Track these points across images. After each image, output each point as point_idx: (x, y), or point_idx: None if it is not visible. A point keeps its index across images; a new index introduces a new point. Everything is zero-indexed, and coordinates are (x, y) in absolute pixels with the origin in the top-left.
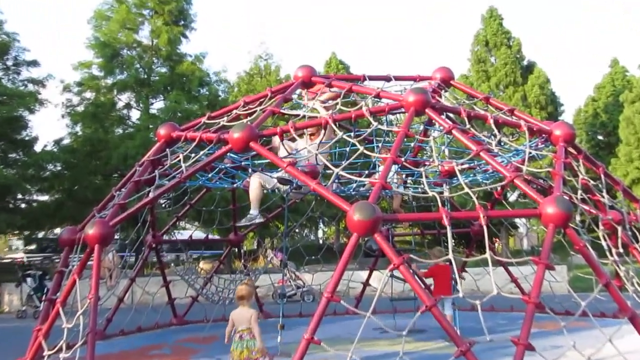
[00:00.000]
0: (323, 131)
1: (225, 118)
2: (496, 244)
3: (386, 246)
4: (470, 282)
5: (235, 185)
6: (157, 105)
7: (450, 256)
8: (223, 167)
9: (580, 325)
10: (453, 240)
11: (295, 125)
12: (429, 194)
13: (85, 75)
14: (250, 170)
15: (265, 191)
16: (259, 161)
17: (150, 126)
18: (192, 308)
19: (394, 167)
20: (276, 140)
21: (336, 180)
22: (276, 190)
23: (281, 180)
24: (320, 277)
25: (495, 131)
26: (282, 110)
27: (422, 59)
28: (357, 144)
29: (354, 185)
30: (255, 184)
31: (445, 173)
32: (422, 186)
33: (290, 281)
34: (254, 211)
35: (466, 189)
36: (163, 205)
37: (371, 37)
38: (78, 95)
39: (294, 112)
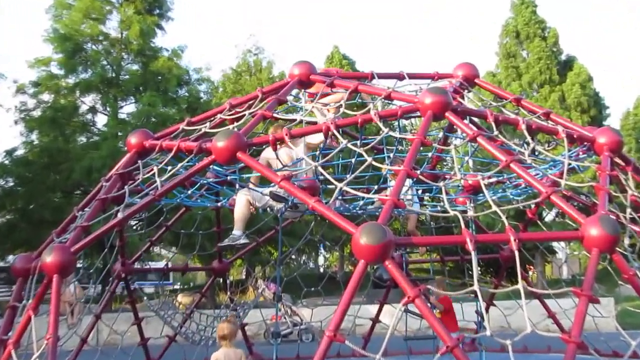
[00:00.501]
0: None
1: (207, 124)
2: (530, 273)
3: (399, 275)
4: (499, 317)
5: (219, 203)
6: (128, 109)
7: (476, 287)
8: (205, 182)
9: None
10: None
11: (291, 132)
12: (449, 213)
13: (42, 74)
14: (237, 186)
15: (254, 210)
16: (248, 175)
17: (119, 134)
18: (168, 350)
19: (408, 182)
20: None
21: (339, 197)
22: (268, 209)
23: (274, 197)
24: (321, 313)
25: (528, 138)
26: (275, 115)
27: (438, 55)
28: (364, 154)
29: (361, 203)
30: (241, 201)
31: (469, 188)
32: (441, 204)
33: (285, 317)
34: (237, 231)
35: (494, 207)
36: (134, 228)
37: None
38: (34, 97)
39: (290, 116)
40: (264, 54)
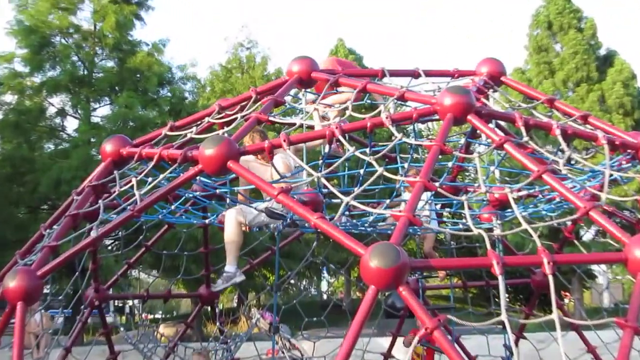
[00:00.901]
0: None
1: (194, 128)
2: (566, 300)
3: (415, 303)
4: (531, 352)
5: (207, 220)
6: (102, 111)
7: (504, 317)
8: (191, 195)
9: None
10: (507, 295)
11: (290, 138)
12: (473, 231)
13: (4, 72)
14: (228, 200)
15: (248, 229)
16: (241, 187)
17: (92, 140)
18: None
19: (426, 195)
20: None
21: (346, 213)
22: (264, 227)
23: (271, 215)
24: (324, 346)
25: (563, 145)
26: (271, 118)
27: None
28: (374, 163)
29: (370, 219)
30: (231, 224)
31: (496, 203)
32: (463, 221)
33: (283, 352)
34: (230, 267)
35: (524, 225)
36: (109, 248)
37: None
38: None
39: (288, 120)
40: (257, 49)
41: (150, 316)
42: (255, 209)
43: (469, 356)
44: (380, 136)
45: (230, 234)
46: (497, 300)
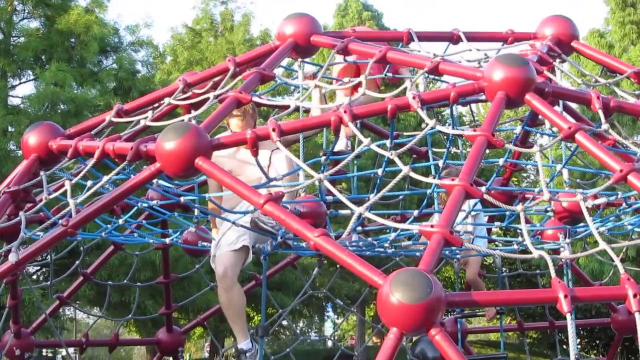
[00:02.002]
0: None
1: (149, 113)
2: None
3: (453, 353)
4: None
5: (167, 240)
6: (24, 89)
7: None
8: (145, 205)
9: None
10: (579, 341)
11: (281, 126)
12: (533, 254)
13: None
14: (196, 212)
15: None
16: (213, 194)
17: (10, 129)
18: None
19: (468, 205)
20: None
21: (358, 229)
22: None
23: (257, 227)
24: None
25: None
26: (255, 99)
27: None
28: (397, 160)
29: (392, 237)
30: (228, 279)
31: (564, 215)
32: (519, 239)
33: None
34: (246, 343)
35: (602, 245)
36: (35, 278)
37: None
38: None
39: (279, 102)
40: (236, 2)
41: None
42: (232, 222)
43: None
44: (406, 123)
45: (233, 297)
46: (565, 347)
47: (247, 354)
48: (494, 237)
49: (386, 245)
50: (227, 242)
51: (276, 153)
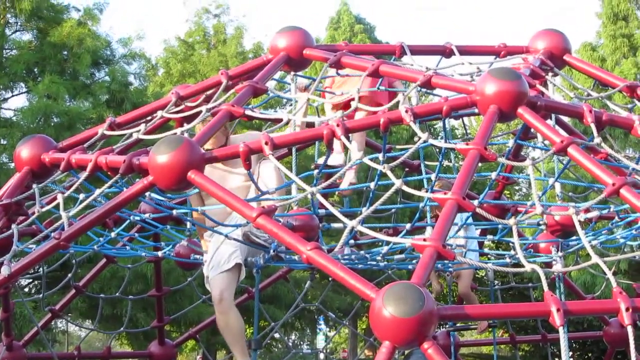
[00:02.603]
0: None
1: (142, 126)
2: None
3: None
4: None
5: (160, 253)
6: (15, 102)
7: None
8: (138, 219)
9: None
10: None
11: (274, 139)
12: (525, 267)
13: None
14: (188, 225)
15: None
16: (205, 207)
17: (3, 142)
18: None
19: (460, 218)
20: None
21: (351, 242)
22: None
23: (249, 241)
24: None
25: None
26: (248, 112)
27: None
28: (389, 174)
29: (384, 250)
30: (225, 301)
31: (556, 228)
32: (512, 252)
33: None
34: None
35: (594, 258)
36: (27, 290)
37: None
38: None
39: (271, 115)
40: (229, 16)
41: None
42: (226, 236)
43: None
44: (399, 136)
45: (230, 319)
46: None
47: None
48: (486, 250)
49: (379, 258)
50: (219, 262)
51: (263, 164)
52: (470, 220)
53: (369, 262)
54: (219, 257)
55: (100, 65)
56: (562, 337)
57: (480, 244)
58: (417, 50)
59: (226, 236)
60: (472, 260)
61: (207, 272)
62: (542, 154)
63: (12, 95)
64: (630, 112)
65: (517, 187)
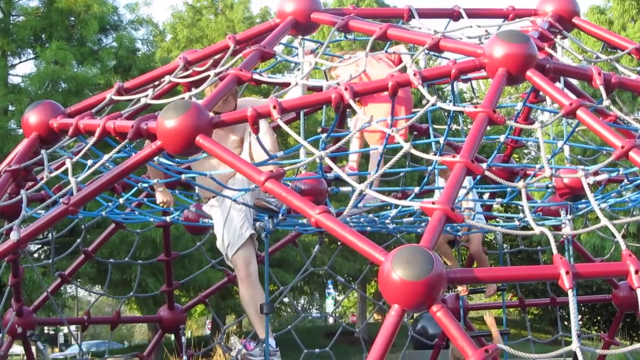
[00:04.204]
0: None
1: (150, 91)
2: None
3: (454, 329)
4: None
5: (168, 218)
6: (23, 68)
7: (575, 346)
8: (146, 185)
9: None
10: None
11: (282, 104)
12: (534, 230)
13: None
14: (197, 190)
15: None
16: (215, 172)
17: (11, 108)
18: None
19: (468, 181)
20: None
21: (359, 206)
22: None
23: (259, 206)
24: None
25: None
26: (256, 76)
27: None
28: (397, 137)
29: (393, 214)
30: (250, 275)
31: (565, 191)
32: (520, 216)
33: None
34: (272, 342)
35: (604, 221)
36: (36, 256)
37: None
38: None
39: (278, 79)
40: None
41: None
42: (233, 200)
43: None
44: None
45: (256, 293)
46: (566, 323)
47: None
48: (495, 213)
49: (387, 222)
50: (233, 237)
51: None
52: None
53: (377, 225)
54: (232, 232)
55: (107, 31)
56: (571, 300)
57: (489, 208)
58: (425, 14)
59: (234, 200)
60: (480, 224)
61: (225, 250)
62: (551, 116)
63: (20, 62)
64: (639, 75)
65: (525, 151)
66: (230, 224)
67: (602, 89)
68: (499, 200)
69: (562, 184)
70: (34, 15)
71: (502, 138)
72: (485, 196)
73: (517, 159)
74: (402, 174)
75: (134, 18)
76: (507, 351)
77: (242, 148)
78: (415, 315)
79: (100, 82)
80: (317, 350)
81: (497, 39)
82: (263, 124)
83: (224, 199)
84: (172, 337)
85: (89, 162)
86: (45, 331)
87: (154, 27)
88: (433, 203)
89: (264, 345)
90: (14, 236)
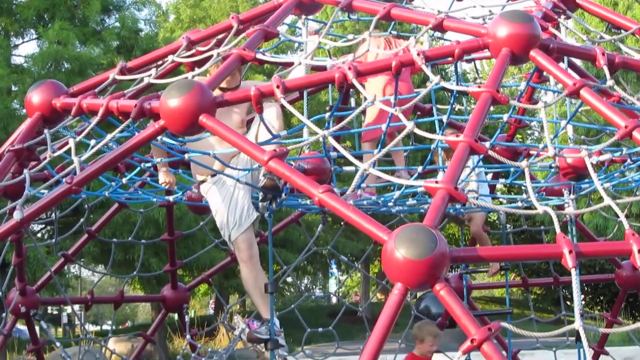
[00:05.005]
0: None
1: (153, 71)
2: None
3: (457, 308)
4: None
5: (171, 197)
6: (26, 48)
7: (578, 325)
8: (149, 164)
9: None
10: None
11: (285, 83)
12: (537, 209)
13: None
14: (192, 170)
15: None
16: (218, 151)
17: (14, 88)
18: None
19: (472, 161)
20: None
21: (363, 186)
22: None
23: (271, 186)
24: None
25: None
26: (259, 56)
27: None
28: (401, 116)
29: (396, 194)
30: (251, 257)
31: (568, 170)
32: (523, 196)
33: None
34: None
35: (607, 200)
36: (39, 236)
37: None
38: None
39: (282, 59)
40: None
41: (96, 327)
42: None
43: None
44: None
45: (259, 275)
46: (569, 303)
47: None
48: (498, 194)
49: (391, 202)
50: (240, 219)
51: (265, 108)
52: (481, 164)
53: (381, 207)
54: (237, 213)
55: (110, 11)
56: (574, 279)
57: (492, 188)
58: None
59: (238, 180)
60: (483, 203)
61: (228, 231)
62: (554, 97)
63: (23, 42)
64: None
65: (529, 132)
66: (235, 205)
67: (605, 69)
68: (502, 180)
69: (566, 163)
70: None
71: (505, 117)
72: (489, 177)
73: (520, 140)
74: (405, 153)
75: None
76: (510, 330)
77: (244, 129)
78: (419, 294)
79: (103, 62)
80: (320, 329)
81: (500, 19)
82: (275, 108)
83: (225, 179)
84: (176, 316)
85: (92, 141)
86: (49, 311)
87: (157, 8)
88: (437, 182)
89: (269, 324)
90: (17, 215)
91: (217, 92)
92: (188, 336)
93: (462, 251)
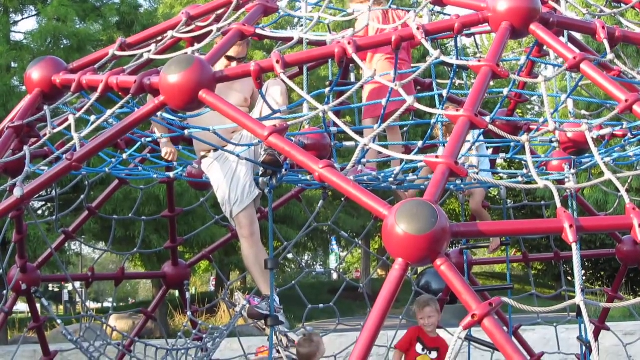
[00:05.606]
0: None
1: (152, 47)
2: None
3: (458, 283)
4: (615, 348)
5: (172, 174)
6: (25, 25)
7: (579, 300)
8: (149, 140)
9: None
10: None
11: (284, 58)
12: (537, 184)
13: None
14: (195, 145)
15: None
16: (218, 127)
17: (13, 65)
18: None
19: (472, 135)
20: None
21: (363, 161)
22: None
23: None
24: (334, 343)
25: None
26: (259, 31)
27: None
28: (401, 91)
29: (396, 170)
30: (252, 234)
31: (569, 145)
32: (524, 170)
33: (279, 351)
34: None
35: (607, 175)
36: (40, 213)
37: None
38: None
39: (282, 34)
40: None
41: (98, 305)
42: (238, 156)
43: (531, 353)
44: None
45: (260, 252)
46: (569, 278)
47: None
48: (498, 169)
49: (391, 177)
50: (242, 195)
51: (271, 86)
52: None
53: (381, 184)
54: (240, 190)
55: None
56: (575, 254)
57: (493, 162)
58: None
59: (238, 156)
60: (484, 178)
61: (230, 207)
62: (554, 70)
63: (22, 19)
64: None
65: (529, 106)
66: (237, 181)
67: (605, 42)
68: (502, 155)
69: (566, 138)
70: None
71: (505, 91)
72: (489, 152)
73: (520, 115)
74: (405, 128)
75: None
76: (511, 305)
77: (246, 107)
78: (419, 271)
79: (103, 38)
80: (321, 305)
81: None
82: (280, 86)
83: (227, 155)
84: (177, 293)
85: (92, 118)
86: (50, 288)
87: None
88: (437, 157)
89: (270, 300)
90: (17, 192)
91: (223, 61)
92: (189, 313)
93: (462, 226)
